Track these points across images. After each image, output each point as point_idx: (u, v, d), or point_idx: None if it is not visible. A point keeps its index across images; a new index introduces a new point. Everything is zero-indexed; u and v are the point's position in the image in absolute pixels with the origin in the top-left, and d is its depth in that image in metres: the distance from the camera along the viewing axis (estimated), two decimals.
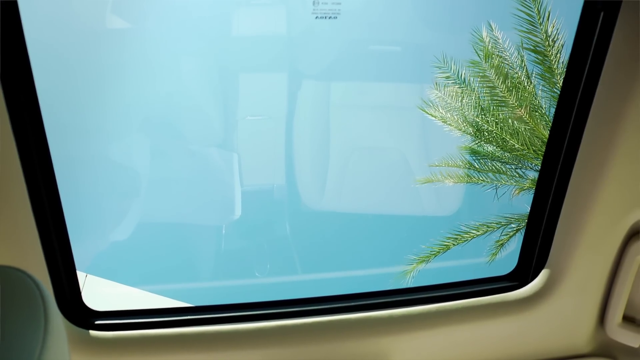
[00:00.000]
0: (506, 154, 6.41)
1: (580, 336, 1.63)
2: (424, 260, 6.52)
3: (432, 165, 6.82)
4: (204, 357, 1.42)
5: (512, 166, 6.45)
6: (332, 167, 7.54)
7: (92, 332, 1.39)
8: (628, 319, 1.60)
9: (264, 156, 7.64)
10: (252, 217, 7.58)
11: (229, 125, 7.47)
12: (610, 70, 1.32)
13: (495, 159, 6.47)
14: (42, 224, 1.28)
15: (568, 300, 1.56)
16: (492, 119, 6.30)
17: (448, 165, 6.60)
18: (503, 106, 6.23)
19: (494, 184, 6.55)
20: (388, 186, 7.74)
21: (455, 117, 6.43)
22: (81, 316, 1.42)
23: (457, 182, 6.69)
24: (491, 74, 6.12)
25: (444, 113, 6.50)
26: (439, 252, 6.53)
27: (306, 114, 7.57)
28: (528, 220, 1.59)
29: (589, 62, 1.37)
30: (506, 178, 6.48)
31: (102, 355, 1.38)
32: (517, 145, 6.27)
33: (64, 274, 1.38)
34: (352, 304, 1.55)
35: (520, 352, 1.62)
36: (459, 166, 6.55)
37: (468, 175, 6.59)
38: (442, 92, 6.45)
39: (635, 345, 1.57)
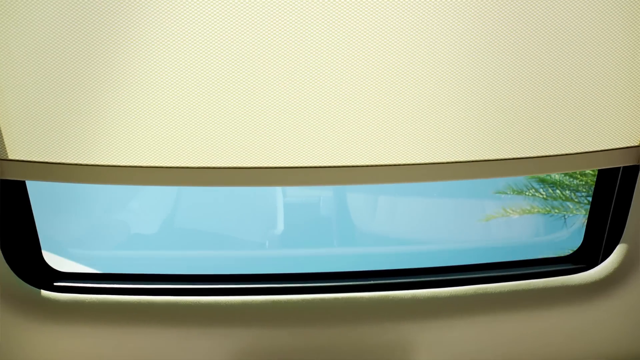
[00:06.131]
0: (575, 181, 5.93)
1: None
2: None
3: (498, 193, 6.45)
4: (176, 332, 1.15)
5: (582, 193, 5.94)
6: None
7: (48, 293, 1.15)
8: None
9: None
10: None
11: None
12: None
13: (564, 187, 6.00)
14: None
15: None
16: None
17: (513, 193, 6.20)
18: None
19: (562, 214, 6.06)
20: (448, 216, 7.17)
21: None
22: (36, 274, 1.19)
23: (523, 214, 6.27)
24: None
25: None
26: None
27: None
28: (596, 183, 1.23)
29: None
30: (574, 206, 5.98)
31: (58, 320, 1.14)
32: (587, 171, 5.76)
33: (17, 223, 1.16)
34: (366, 282, 1.23)
35: (581, 354, 1.23)
36: (524, 193, 6.13)
37: (533, 207, 6.16)
38: None
39: None
